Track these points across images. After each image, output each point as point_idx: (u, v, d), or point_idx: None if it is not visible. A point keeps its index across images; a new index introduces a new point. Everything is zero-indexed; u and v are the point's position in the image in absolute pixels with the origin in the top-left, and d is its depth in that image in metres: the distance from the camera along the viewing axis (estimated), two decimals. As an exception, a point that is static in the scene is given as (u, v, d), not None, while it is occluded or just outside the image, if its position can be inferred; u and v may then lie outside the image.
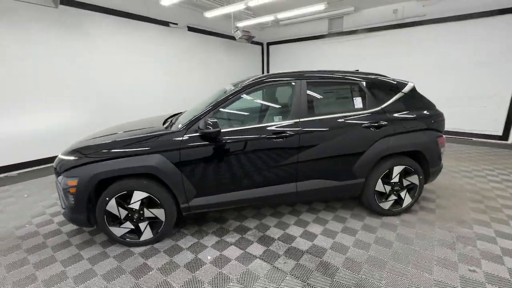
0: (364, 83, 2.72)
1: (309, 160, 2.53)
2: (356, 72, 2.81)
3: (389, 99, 2.74)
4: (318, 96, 2.68)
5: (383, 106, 2.69)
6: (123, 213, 2.27)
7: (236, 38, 7.06)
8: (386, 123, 2.63)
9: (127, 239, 2.36)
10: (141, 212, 2.31)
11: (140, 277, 2.03)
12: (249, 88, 2.51)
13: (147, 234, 2.36)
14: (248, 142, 2.38)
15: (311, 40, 8.34)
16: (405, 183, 2.78)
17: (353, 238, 2.46)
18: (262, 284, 1.94)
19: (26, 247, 2.40)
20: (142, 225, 2.35)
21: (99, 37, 5.07)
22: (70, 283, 1.97)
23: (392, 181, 2.72)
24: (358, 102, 2.68)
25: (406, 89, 2.84)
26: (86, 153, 2.24)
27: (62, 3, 4.26)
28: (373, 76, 2.80)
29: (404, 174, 2.74)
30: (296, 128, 2.46)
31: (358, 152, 2.59)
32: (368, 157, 2.61)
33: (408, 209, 2.89)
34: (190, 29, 6.84)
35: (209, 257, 2.23)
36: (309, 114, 2.54)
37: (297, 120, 2.49)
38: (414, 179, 2.77)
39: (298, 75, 2.61)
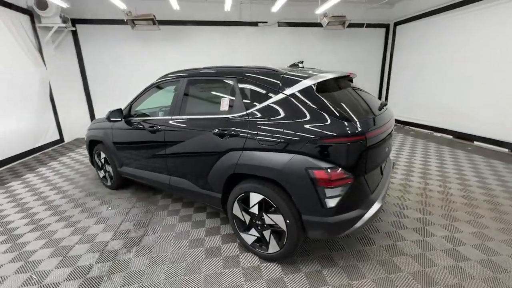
0: (236, 80, 2.17)
1: (171, 157, 2.57)
2: (237, 67, 2.26)
3: (261, 102, 2.01)
4: (193, 95, 2.51)
5: (251, 110, 2.04)
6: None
7: (323, 26, 6.41)
8: (236, 132, 2.02)
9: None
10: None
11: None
12: (152, 86, 2.90)
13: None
14: (140, 131, 2.85)
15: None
16: (268, 220, 1.98)
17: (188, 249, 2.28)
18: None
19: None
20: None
21: (198, 43, 6.82)
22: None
23: (250, 210, 2.06)
24: (224, 103, 2.21)
25: (292, 90, 1.89)
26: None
27: (161, 24, 6.25)
28: (251, 72, 2.13)
29: (266, 207, 1.97)
30: (163, 124, 2.58)
31: (210, 162, 2.23)
32: (218, 171, 2.17)
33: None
34: (281, 24, 7.07)
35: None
36: (180, 112, 2.52)
37: (169, 117, 2.58)
38: (279, 220, 1.91)
39: (184, 73, 2.60)
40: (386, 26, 7.63)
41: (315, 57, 7.43)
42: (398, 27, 7.37)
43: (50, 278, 2.01)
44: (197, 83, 2.52)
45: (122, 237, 2.51)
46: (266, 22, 7.00)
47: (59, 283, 1.96)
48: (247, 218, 2.12)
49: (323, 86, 1.96)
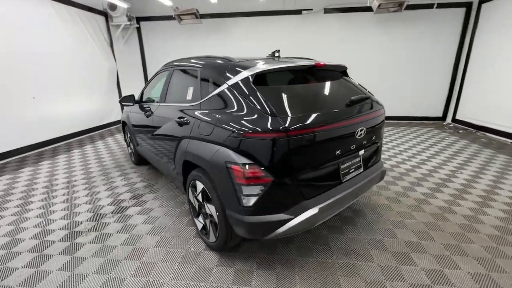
0: (198, 70, 2.20)
1: (156, 141, 2.83)
2: (202, 57, 2.30)
3: (211, 92, 2.00)
4: (172, 84, 2.65)
5: (203, 100, 2.06)
6: None
7: (374, 10, 5.62)
8: (187, 121, 2.07)
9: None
10: None
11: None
12: (155, 75, 3.19)
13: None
14: (142, 115, 3.21)
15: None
16: (207, 209, 2.00)
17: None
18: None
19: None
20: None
21: (239, 35, 6.98)
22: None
23: (197, 197, 2.12)
24: (190, 92, 2.28)
25: (233, 81, 1.81)
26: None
27: (203, 17, 6.58)
28: (210, 62, 2.14)
29: (206, 197, 2.00)
30: (152, 110, 2.84)
31: (174, 148, 2.36)
32: (177, 156, 2.29)
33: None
34: (327, 10, 6.53)
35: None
36: (164, 100, 2.72)
37: (157, 104, 2.82)
38: (213, 211, 1.91)
39: (171, 63, 2.78)
40: (467, 5, 6.10)
41: (366, 46, 6.62)
42: (484, 6, 5.80)
43: (52, 226, 2.56)
44: (175, 73, 2.67)
45: (115, 205, 2.95)
46: (311, 10, 6.59)
47: (54, 230, 2.49)
48: (196, 205, 2.19)
49: (271, 78, 1.82)
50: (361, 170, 2.07)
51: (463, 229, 2.35)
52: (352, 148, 1.89)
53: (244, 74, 1.78)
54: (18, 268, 2.00)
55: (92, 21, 6.16)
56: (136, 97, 3.48)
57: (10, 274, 1.95)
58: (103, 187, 3.41)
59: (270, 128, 1.52)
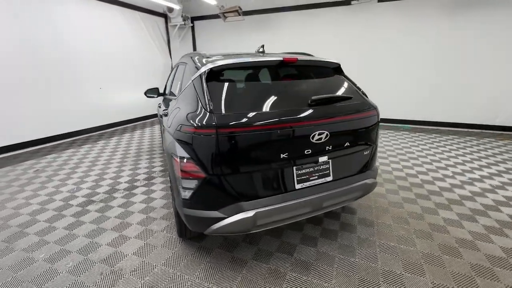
0: (184, 65, 2.35)
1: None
2: (192, 53, 2.36)
3: (185, 86, 2.09)
4: (176, 78, 2.85)
5: (179, 94, 2.19)
6: None
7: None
8: (167, 114, 2.22)
9: None
10: None
11: (140, 154, 4.60)
12: (173, 69, 3.48)
13: None
14: (164, 105, 3.56)
15: None
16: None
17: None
18: (120, 177, 3.61)
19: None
20: None
21: (283, 29, 6.86)
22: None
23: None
24: (178, 87, 2.43)
25: (195, 76, 1.86)
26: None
27: (247, 14, 6.65)
28: (190, 57, 2.27)
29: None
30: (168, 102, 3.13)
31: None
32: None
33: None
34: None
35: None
36: (170, 93, 2.96)
37: (169, 97, 3.09)
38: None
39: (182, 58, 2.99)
40: None
41: (429, 39, 5.62)
42: None
43: (79, 193, 3.13)
44: (179, 68, 2.85)
45: (130, 183, 3.39)
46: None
47: (78, 196, 3.04)
48: (173, 193, 2.36)
49: (230, 74, 1.79)
50: (329, 179, 1.85)
51: None
52: (306, 153, 1.70)
53: (202, 70, 1.80)
54: (40, 221, 2.55)
55: (153, 23, 7.04)
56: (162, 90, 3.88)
57: (33, 224, 2.50)
58: (129, 166, 3.96)
59: (202, 124, 1.52)
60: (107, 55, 5.90)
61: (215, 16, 7.35)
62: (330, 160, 1.83)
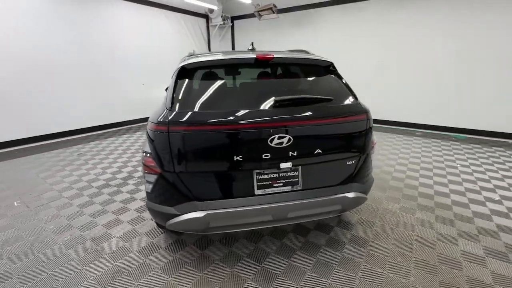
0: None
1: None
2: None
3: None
4: None
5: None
6: None
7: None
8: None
9: None
10: None
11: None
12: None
13: None
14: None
15: None
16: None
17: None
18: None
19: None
20: None
21: (320, 25, 6.50)
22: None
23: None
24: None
25: (176, 74, 1.88)
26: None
27: (283, 11, 6.45)
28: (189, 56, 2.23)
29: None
30: None
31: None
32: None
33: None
34: (437, -13, 4.99)
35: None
36: None
37: None
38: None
39: None
40: None
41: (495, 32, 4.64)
42: None
43: (102, 176, 3.54)
44: None
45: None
46: (413, -11, 5.23)
47: (100, 179, 3.44)
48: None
49: (203, 72, 1.79)
50: (298, 187, 1.69)
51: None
52: (265, 158, 1.57)
53: (178, 67, 1.83)
54: (63, 197, 2.97)
55: (194, 23, 7.47)
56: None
57: (57, 199, 2.93)
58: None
59: (159, 121, 1.54)
60: (150, 54, 6.49)
61: (253, 15, 7.41)
62: (300, 167, 1.67)
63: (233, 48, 8.38)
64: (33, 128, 4.92)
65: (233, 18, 7.99)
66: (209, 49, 8.09)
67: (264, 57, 1.76)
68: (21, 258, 2.01)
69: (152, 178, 1.66)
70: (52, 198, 2.95)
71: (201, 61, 1.76)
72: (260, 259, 1.97)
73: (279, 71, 1.99)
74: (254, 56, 1.76)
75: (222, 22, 7.62)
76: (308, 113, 1.63)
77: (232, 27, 8.12)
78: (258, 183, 1.64)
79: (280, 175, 1.65)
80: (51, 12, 4.86)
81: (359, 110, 1.75)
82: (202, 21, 7.76)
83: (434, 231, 2.30)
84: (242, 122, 1.54)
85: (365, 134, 1.77)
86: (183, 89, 1.69)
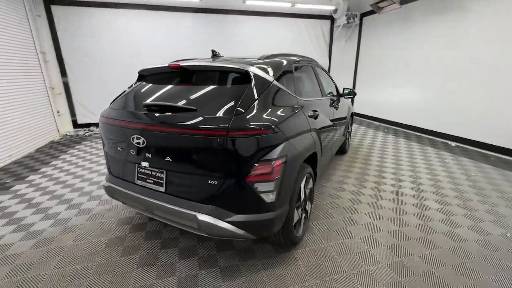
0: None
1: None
2: None
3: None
4: None
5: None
6: None
7: None
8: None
9: None
10: None
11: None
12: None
13: None
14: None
15: None
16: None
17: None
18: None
19: None
20: None
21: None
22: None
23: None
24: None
25: None
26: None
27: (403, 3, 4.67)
28: None
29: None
30: None
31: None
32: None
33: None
34: None
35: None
36: None
37: None
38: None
39: None
40: None
41: None
42: None
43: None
44: None
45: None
46: None
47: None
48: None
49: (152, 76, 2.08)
50: (161, 189, 1.76)
51: None
52: (132, 153, 1.79)
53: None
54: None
55: (316, 26, 7.27)
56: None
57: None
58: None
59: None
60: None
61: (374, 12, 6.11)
62: (165, 172, 1.71)
63: (358, 51, 7.35)
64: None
65: (363, 15, 6.96)
66: (330, 53, 7.60)
67: (174, 66, 1.87)
68: None
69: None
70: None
71: (143, 69, 2.09)
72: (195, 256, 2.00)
73: (195, 78, 1.90)
74: (166, 65, 1.91)
75: (345, 22, 6.89)
76: (161, 120, 1.63)
77: (360, 25, 7.11)
78: (138, 174, 1.85)
79: (151, 173, 1.77)
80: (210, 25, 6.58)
81: (218, 126, 1.48)
82: (326, 23, 7.37)
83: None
84: (117, 119, 1.80)
85: (227, 154, 1.48)
86: (123, 91, 2.10)
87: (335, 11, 6.88)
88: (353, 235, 2.27)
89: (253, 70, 1.76)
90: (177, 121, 1.58)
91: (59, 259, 1.99)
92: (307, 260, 1.97)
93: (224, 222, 1.55)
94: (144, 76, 2.10)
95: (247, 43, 6.80)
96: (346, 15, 6.83)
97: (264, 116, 1.61)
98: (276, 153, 1.58)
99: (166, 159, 1.65)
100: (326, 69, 7.57)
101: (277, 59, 2.15)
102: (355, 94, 3.63)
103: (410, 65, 5.71)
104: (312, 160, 2.29)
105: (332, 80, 3.61)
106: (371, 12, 6.62)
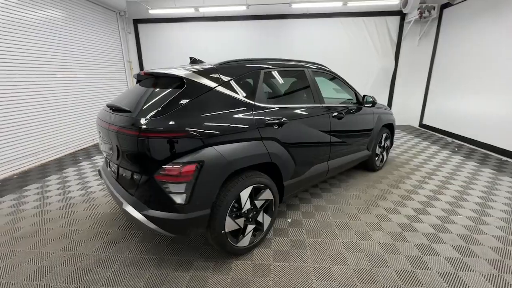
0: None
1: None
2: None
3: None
4: None
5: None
6: None
7: None
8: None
9: None
10: None
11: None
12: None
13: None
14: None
15: None
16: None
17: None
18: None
19: None
20: None
21: None
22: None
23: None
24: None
25: None
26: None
27: None
28: None
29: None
30: None
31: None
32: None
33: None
34: None
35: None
36: None
37: None
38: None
39: None
40: None
41: None
42: None
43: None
44: None
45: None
46: None
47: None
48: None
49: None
50: (115, 177, 2.09)
51: None
52: (105, 144, 2.03)
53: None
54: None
55: (380, 24, 6.39)
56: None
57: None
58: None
59: None
60: (329, 60, 6.74)
61: (465, -4, 4.85)
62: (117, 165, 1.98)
63: (434, 51, 6.04)
64: None
65: (443, 7, 5.67)
66: (397, 54, 6.51)
67: (143, 74, 2.13)
68: None
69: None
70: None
71: (134, 74, 2.44)
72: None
73: (152, 83, 2.06)
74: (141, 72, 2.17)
75: (417, 16, 5.78)
76: (111, 119, 1.87)
77: (439, 19, 5.81)
78: (109, 163, 2.21)
79: (111, 163, 2.13)
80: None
81: (132, 126, 1.65)
82: (393, 19, 6.35)
83: None
84: (98, 118, 2.11)
85: (139, 152, 1.64)
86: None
87: (405, 4, 5.87)
88: (306, 259, 2.01)
89: (189, 76, 1.82)
90: (116, 120, 1.81)
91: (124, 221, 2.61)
92: (239, 273, 1.89)
93: (139, 214, 1.69)
94: (137, 80, 2.43)
95: (299, 46, 6.65)
96: (418, 8, 5.74)
97: (185, 120, 1.67)
98: (188, 157, 1.62)
99: (113, 151, 1.89)
100: (391, 73, 6.63)
101: (236, 64, 2.12)
102: (374, 103, 3.16)
103: (502, 68, 4.31)
104: (272, 170, 2.17)
105: (350, 87, 3.20)
106: (449, 4, 5.34)
